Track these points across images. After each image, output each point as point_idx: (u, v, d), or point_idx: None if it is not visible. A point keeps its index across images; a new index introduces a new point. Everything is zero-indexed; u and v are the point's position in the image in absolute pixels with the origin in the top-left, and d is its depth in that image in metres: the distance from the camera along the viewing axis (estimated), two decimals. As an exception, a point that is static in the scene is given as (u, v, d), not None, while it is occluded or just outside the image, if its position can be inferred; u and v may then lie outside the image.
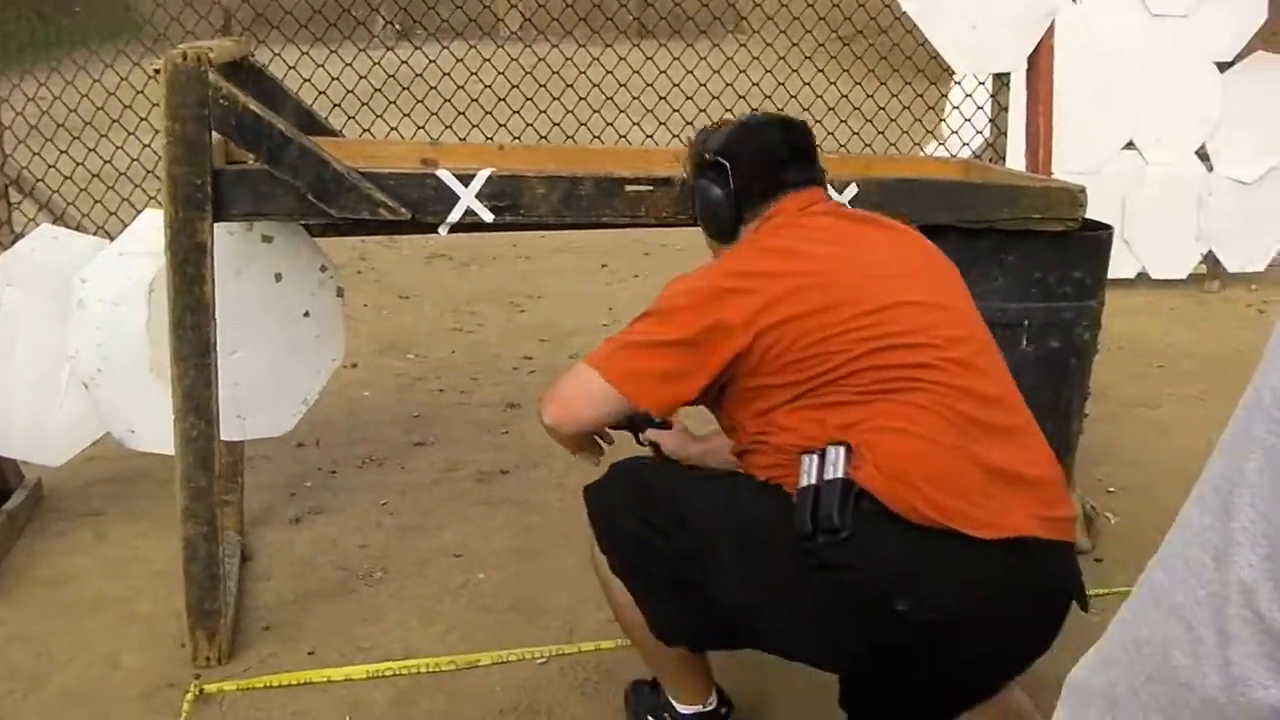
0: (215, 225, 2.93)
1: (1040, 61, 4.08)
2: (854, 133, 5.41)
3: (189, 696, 2.92)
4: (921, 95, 6.02)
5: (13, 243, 3.73)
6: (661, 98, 5.39)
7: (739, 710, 2.75)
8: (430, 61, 5.25)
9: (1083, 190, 3.36)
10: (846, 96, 5.44)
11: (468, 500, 4.12)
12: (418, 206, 2.97)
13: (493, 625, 3.30)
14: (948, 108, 6.27)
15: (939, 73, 7.34)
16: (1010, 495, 2.19)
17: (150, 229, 3.55)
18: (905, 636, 2.13)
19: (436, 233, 3.06)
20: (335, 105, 4.70)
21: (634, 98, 5.26)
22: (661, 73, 5.36)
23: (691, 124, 4.96)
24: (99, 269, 3.55)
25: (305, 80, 4.74)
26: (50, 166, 4.17)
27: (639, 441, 2.75)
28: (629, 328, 2.46)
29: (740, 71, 5.54)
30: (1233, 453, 0.78)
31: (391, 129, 5.23)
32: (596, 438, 2.61)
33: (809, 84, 5.36)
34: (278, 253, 3.43)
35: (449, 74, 5.13)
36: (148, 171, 4.52)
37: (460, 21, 5.56)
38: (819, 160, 2.69)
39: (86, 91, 4.30)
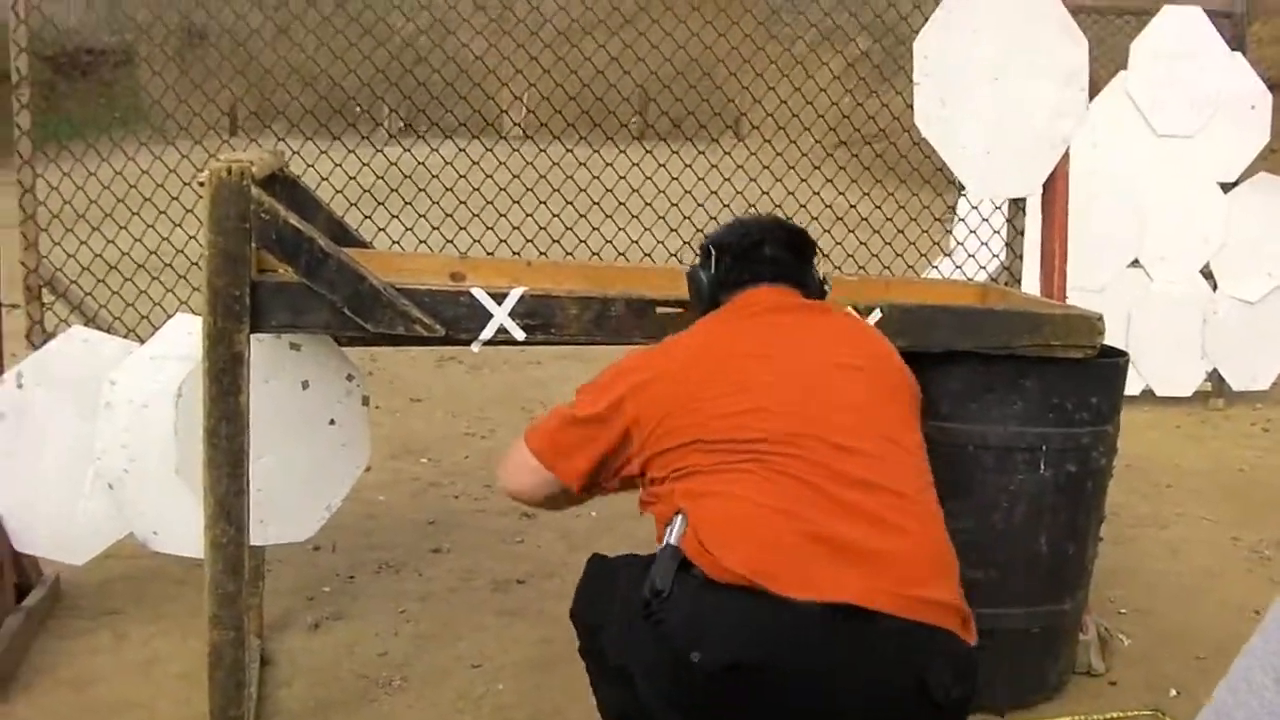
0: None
1: (1055, 186, 4.15)
2: (861, 243, 5.48)
3: (211, 805, 2.93)
4: (928, 207, 6.10)
5: (44, 343, 3.78)
6: (674, 204, 5.47)
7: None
8: (424, 158, 5.33)
9: (1100, 318, 3.42)
10: (855, 207, 5.52)
11: (485, 610, 4.14)
12: (452, 324, 3.03)
13: (514, 736, 3.32)
14: (957, 223, 6.36)
15: (946, 184, 7.47)
16: (846, 565, 2.22)
17: (180, 333, 3.62)
18: (707, 690, 2.17)
19: (468, 347, 3.12)
20: (351, 205, 4.75)
21: (646, 203, 5.34)
22: (674, 179, 5.43)
23: (701, 230, 5.05)
24: (128, 371, 3.60)
25: (323, 177, 4.80)
26: (84, 269, 4.23)
27: None
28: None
29: (751, 180, 5.62)
30: None
31: (399, 228, 5.30)
32: (559, 494, 2.73)
33: (818, 193, 5.44)
34: (305, 361, 3.47)
35: (436, 176, 5.19)
36: (180, 275, 4.58)
37: (464, 114, 5.63)
38: (811, 264, 2.86)
39: (123, 196, 4.37)
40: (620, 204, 5.27)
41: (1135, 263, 7.20)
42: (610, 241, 5.34)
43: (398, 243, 4.89)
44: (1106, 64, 7.17)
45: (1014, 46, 4.08)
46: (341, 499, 3.59)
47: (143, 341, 3.71)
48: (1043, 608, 3.49)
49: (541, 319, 3.07)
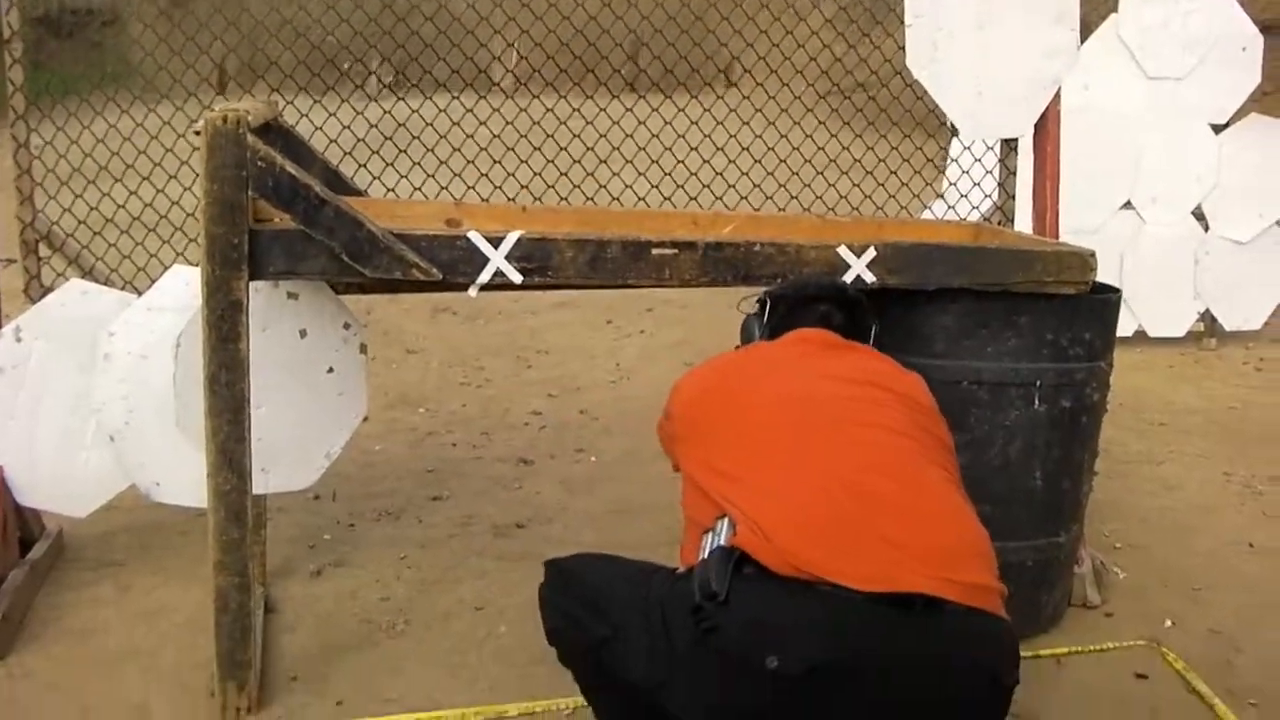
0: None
1: (1047, 126, 4.16)
2: (854, 185, 5.47)
3: (220, 747, 2.97)
4: (921, 148, 6.09)
5: (42, 297, 3.78)
6: (667, 148, 5.45)
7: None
8: (412, 112, 5.31)
9: (1093, 254, 3.43)
10: (848, 149, 5.51)
11: (486, 555, 4.17)
12: (449, 268, 3.04)
13: (516, 677, 3.35)
14: (951, 166, 6.36)
15: (937, 126, 7.46)
16: (901, 554, 2.17)
17: (177, 284, 3.63)
18: (782, 697, 2.08)
19: (465, 292, 3.13)
20: (346, 153, 4.74)
21: (640, 148, 5.32)
22: (667, 124, 5.41)
23: (695, 175, 5.05)
24: (126, 323, 3.62)
25: (316, 128, 4.79)
26: (80, 222, 4.22)
27: None
28: None
29: (744, 123, 5.59)
30: None
31: (383, 181, 5.28)
32: None
33: (811, 137, 5.43)
34: (303, 310, 3.49)
35: (430, 124, 5.16)
36: (175, 228, 4.58)
37: (457, 62, 5.61)
38: (863, 328, 2.90)
39: (118, 148, 4.36)
40: (614, 149, 5.27)
41: (1128, 204, 7.22)
42: (604, 187, 5.33)
43: (392, 190, 4.88)
44: (1098, 6, 7.15)
45: (1005, -13, 4.09)
46: (341, 446, 3.62)
47: (140, 294, 3.71)
48: (1038, 541, 3.52)
49: (538, 262, 3.08)
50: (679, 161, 5.39)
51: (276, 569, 3.98)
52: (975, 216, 5.07)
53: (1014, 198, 4.62)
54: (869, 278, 3.27)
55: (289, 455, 3.55)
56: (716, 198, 5.20)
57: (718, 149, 5.24)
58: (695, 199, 5.03)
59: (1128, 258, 7.08)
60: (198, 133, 2.94)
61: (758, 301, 2.98)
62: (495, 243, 3.05)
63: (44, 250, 4.02)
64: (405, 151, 4.85)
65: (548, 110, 5.45)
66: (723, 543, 2.24)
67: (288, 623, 3.64)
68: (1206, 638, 3.67)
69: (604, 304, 7.74)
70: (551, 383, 6.27)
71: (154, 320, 3.60)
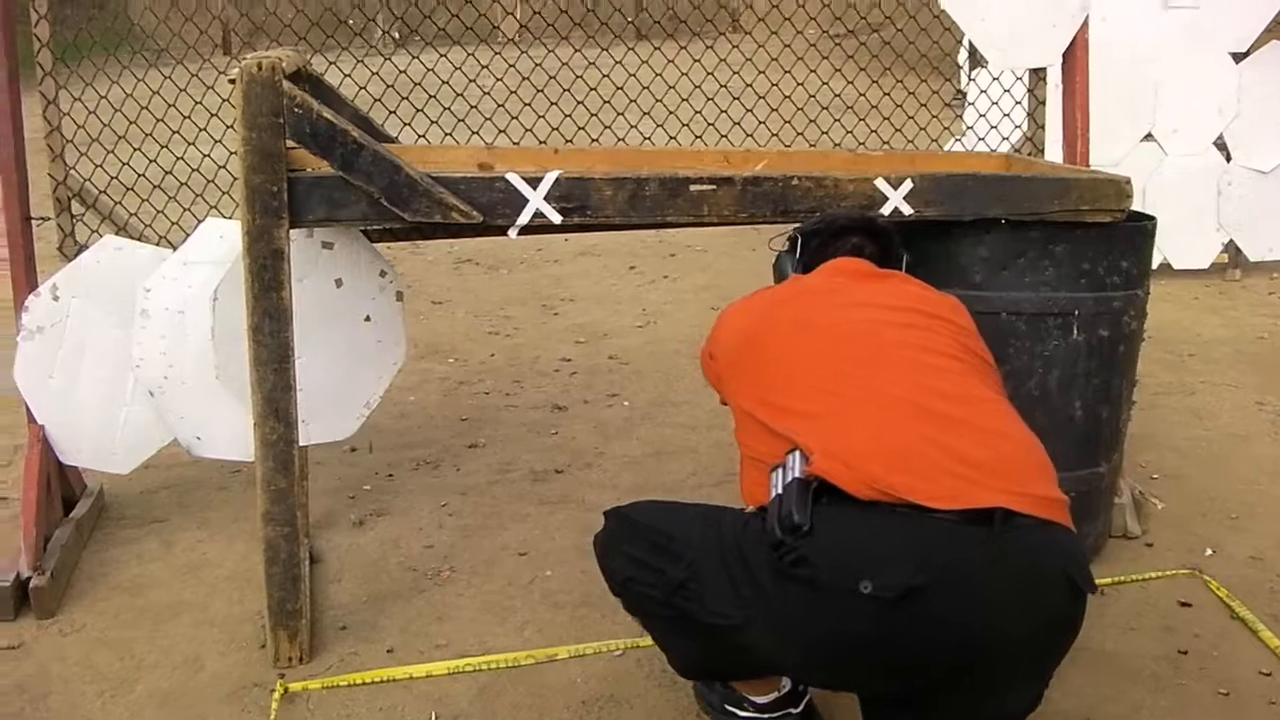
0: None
1: (1075, 55, 4.14)
2: (872, 130, 5.45)
3: (276, 695, 2.99)
4: (938, 92, 6.06)
5: (77, 254, 3.78)
6: (685, 99, 5.42)
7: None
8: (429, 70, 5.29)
9: (1128, 181, 3.42)
10: (864, 95, 5.48)
11: (526, 500, 4.19)
12: (488, 210, 3.04)
13: (565, 620, 3.37)
14: (967, 107, 6.32)
15: (953, 69, 7.41)
16: (974, 472, 2.18)
17: (212, 238, 3.63)
18: (879, 621, 2.08)
19: (505, 235, 3.12)
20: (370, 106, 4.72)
21: (657, 100, 5.30)
22: (684, 75, 5.39)
23: (713, 124, 5.03)
24: (163, 278, 3.61)
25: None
26: (113, 178, 4.20)
27: None
28: None
29: (760, 72, 5.56)
30: None
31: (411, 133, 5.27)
32: None
33: (827, 83, 5.40)
34: (338, 259, 3.49)
35: (447, 82, 5.13)
36: (208, 180, 4.57)
37: (457, 29, 5.57)
38: (893, 256, 2.92)
39: (147, 102, 4.33)
40: (631, 101, 5.24)
41: (1149, 136, 7.17)
42: (622, 140, 5.31)
43: (423, 136, 4.88)
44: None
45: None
46: (380, 395, 3.63)
47: (175, 248, 3.71)
48: (1079, 472, 3.51)
49: (577, 201, 3.07)
50: (696, 112, 5.37)
51: (318, 520, 4.00)
52: (1005, 148, 5.04)
53: (1044, 128, 4.60)
54: (906, 210, 3.26)
55: (329, 406, 3.55)
56: (735, 144, 5.17)
57: (734, 98, 5.20)
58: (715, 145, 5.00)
59: (1150, 190, 7.03)
60: (232, 81, 2.93)
61: (788, 239, 2.99)
62: (534, 183, 3.05)
63: (77, 208, 4.01)
64: (422, 110, 4.82)
65: (563, 64, 5.43)
66: (798, 474, 2.24)
67: (333, 573, 3.66)
68: (1247, 564, 3.68)
69: (626, 250, 7.71)
70: (579, 329, 6.27)
71: (190, 274, 3.59)
